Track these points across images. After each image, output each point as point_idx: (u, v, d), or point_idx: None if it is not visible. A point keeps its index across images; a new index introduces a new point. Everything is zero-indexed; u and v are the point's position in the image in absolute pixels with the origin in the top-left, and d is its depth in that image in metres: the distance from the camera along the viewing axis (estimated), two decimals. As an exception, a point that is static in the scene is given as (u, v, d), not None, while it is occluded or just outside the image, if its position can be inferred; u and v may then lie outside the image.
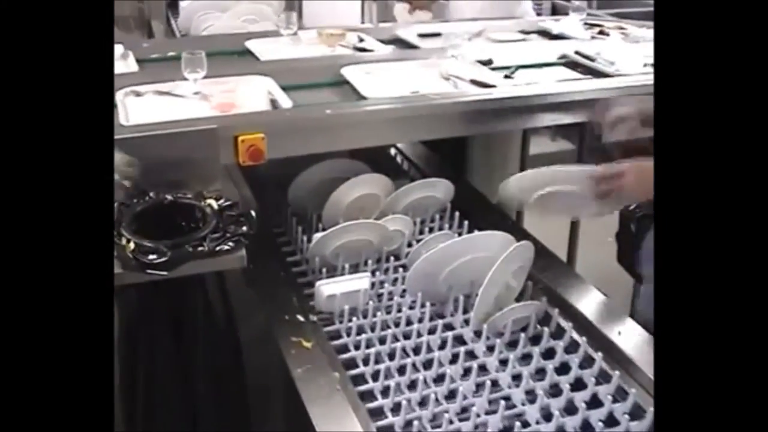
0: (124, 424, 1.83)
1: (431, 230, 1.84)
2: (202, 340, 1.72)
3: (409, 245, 1.77)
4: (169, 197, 1.50)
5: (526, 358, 1.42)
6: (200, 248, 1.37)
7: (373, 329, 1.50)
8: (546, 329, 1.45)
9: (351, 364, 1.41)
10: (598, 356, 1.37)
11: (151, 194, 1.50)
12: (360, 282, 1.56)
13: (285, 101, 1.71)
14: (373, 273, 1.65)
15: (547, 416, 1.26)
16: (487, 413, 1.27)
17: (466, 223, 1.84)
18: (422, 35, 2.44)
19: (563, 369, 1.38)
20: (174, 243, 1.37)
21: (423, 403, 1.30)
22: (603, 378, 1.35)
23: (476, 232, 1.62)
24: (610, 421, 1.25)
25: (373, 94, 1.77)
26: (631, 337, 1.44)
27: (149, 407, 1.74)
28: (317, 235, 1.67)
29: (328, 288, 1.54)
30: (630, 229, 1.79)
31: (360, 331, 1.49)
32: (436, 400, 1.30)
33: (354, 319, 1.51)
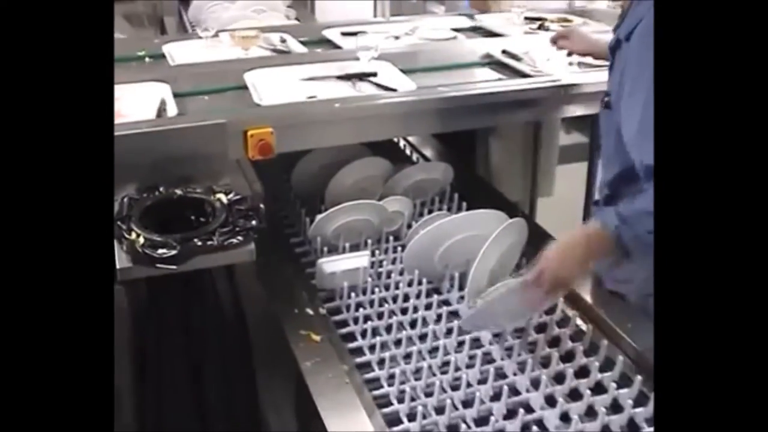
0: (133, 419, 1.85)
1: (431, 212, 1.88)
2: (211, 333, 1.74)
3: (409, 226, 1.81)
4: (178, 192, 1.51)
5: (518, 331, 1.46)
6: (209, 242, 1.38)
7: (371, 305, 1.55)
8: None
9: (349, 337, 1.47)
10: (588, 328, 1.42)
11: (161, 189, 1.51)
12: (360, 260, 1.61)
13: (172, 109, 1.65)
14: (373, 253, 1.70)
15: (536, 384, 1.30)
16: (479, 383, 1.32)
17: (464, 204, 1.87)
18: (346, 34, 2.34)
19: (555, 343, 1.42)
20: (183, 237, 1.37)
21: (417, 372, 1.35)
22: (593, 351, 1.39)
23: (470, 211, 1.66)
24: (598, 389, 1.30)
25: (267, 101, 1.70)
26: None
27: (159, 400, 1.76)
28: (319, 216, 1.72)
29: (329, 266, 1.59)
30: None
31: (359, 306, 1.54)
32: (431, 370, 1.34)
33: (353, 295, 1.56)
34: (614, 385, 1.29)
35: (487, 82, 1.88)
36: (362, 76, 1.83)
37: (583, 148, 2.93)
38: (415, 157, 2.35)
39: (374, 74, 1.83)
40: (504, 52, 2.02)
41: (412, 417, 1.24)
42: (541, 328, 1.47)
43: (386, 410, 1.27)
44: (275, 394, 1.71)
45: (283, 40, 2.27)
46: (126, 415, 1.75)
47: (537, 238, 1.66)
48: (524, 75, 1.89)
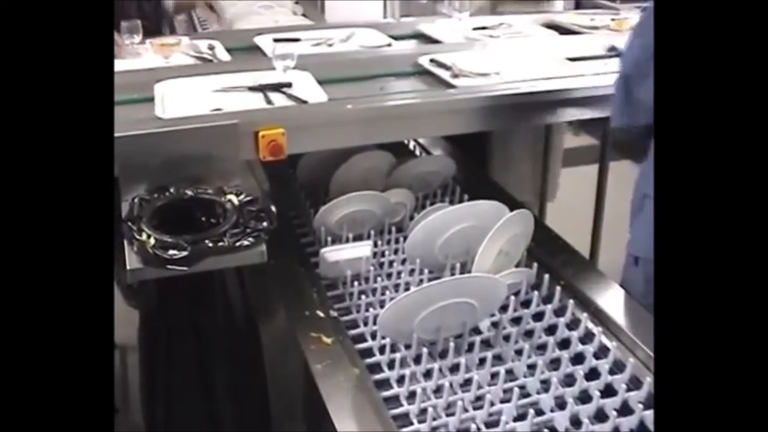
0: (143, 420, 1.89)
1: (433, 204, 1.91)
2: (221, 335, 1.76)
3: (411, 218, 1.84)
4: (189, 193, 1.52)
5: (516, 320, 1.49)
6: (220, 244, 1.39)
7: (374, 293, 1.59)
8: (536, 293, 1.53)
9: (351, 325, 1.50)
10: (583, 316, 1.45)
11: (172, 189, 1.52)
12: (362, 249, 1.64)
13: None
14: (375, 243, 1.74)
15: (533, 369, 1.34)
16: (478, 368, 1.36)
17: (466, 197, 1.91)
18: (279, 41, 2.20)
19: (551, 331, 1.46)
20: (194, 238, 1.38)
21: (417, 360, 1.38)
22: (589, 339, 1.43)
23: (470, 202, 1.69)
24: (592, 374, 1.33)
25: (170, 113, 1.64)
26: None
27: (168, 402, 1.79)
28: (323, 207, 1.76)
29: (332, 255, 1.62)
30: None
31: (361, 294, 1.58)
32: (430, 355, 1.38)
33: (356, 284, 1.60)
34: (607, 367, 1.33)
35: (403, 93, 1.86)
36: (276, 87, 1.80)
37: (593, 150, 2.94)
38: (418, 152, 2.38)
39: (289, 85, 1.81)
40: (432, 61, 2.00)
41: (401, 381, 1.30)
42: (538, 316, 1.50)
43: (387, 393, 1.31)
44: (286, 396, 1.74)
45: (212, 47, 2.22)
46: (136, 415, 1.77)
47: (545, 239, 1.70)
48: (449, 85, 1.86)
